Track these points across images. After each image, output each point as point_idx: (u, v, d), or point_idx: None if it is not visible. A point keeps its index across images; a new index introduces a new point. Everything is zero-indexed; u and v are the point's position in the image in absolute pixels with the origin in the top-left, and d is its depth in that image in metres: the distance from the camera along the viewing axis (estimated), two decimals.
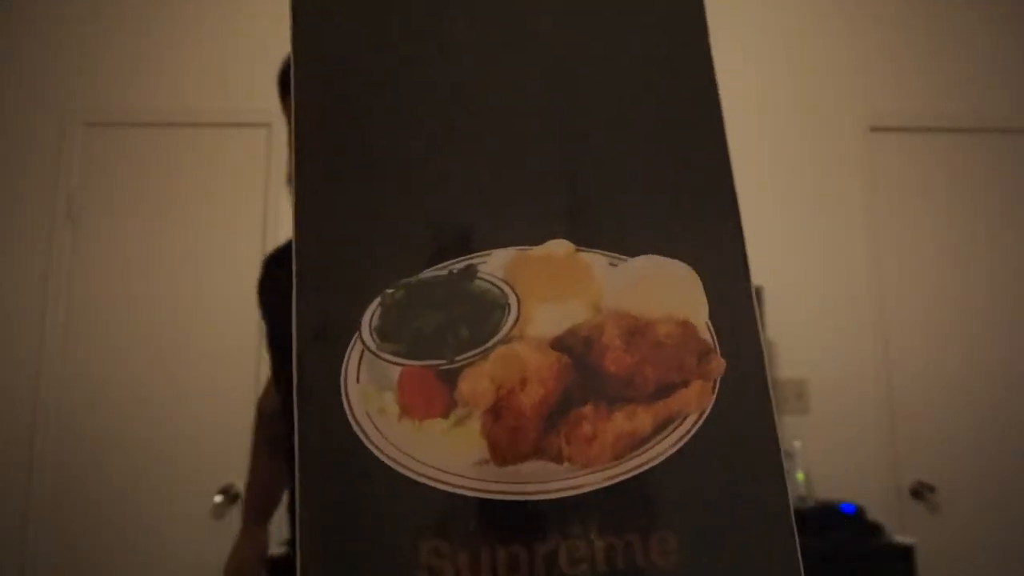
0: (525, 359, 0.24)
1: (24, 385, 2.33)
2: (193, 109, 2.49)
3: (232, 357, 2.33)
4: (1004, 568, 2.31)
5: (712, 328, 0.24)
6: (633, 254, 0.25)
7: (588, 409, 0.23)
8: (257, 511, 1.34)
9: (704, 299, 0.25)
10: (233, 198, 2.44)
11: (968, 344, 2.45)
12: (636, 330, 0.24)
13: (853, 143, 2.55)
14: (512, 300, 0.24)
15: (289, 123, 1.13)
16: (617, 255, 0.25)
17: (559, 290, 0.25)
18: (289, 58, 0.86)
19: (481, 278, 0.24)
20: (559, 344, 0.24)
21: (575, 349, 0.24)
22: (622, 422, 0.23)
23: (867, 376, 2.42)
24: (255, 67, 2.52)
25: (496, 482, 0.22)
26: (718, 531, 0.23)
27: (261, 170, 2.45)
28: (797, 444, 2.27)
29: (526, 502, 0.22)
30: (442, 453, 0.22)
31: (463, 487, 0.22)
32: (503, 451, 0.23)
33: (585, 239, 0.25)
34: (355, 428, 0.23)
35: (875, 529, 2.05)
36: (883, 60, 2.61)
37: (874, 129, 2.56)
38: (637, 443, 0.23)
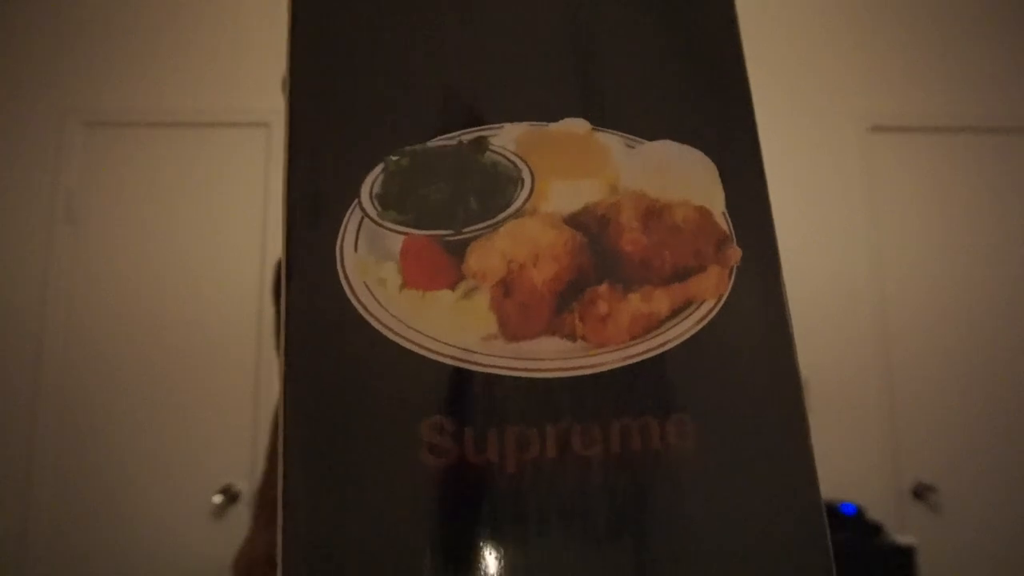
0: (538, 234, 0.23)
1: (24, 385, 2.33)
2: (193, 109, 2.49)
3: (232, 357, 2.33)
4: (1005, 568, 2.31)
5: (728, 217, 0.24)
6: (650, 138, 0.24)
7: (603, 288, 0.22)
8: (269, 510, 1.34)
9: (721, 188, 0.24)
10: (233, 198, 2.44)
11: (969, 344, 2.45)
12: (654, 212, 0.24)
13: (853, 143, 2.55)
14: (526, 174, 0.23)
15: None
16: (634, 137, 0.24)
17: (575, 167, 0.24)
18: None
19: (493, 150, 0.23)
20: (574, 221, 0.23)
21: (590, 227, 0.23)
22: (638, 303, 0.22)
23: (867, 376, 2.42)
24: (255, 67, 2.52)
25: (505, 358, 0.21)
26: (734, 416, 0.22)
27: (261, 170, 2.45)
28: None
29: (537, 379, 0.21)
30: (447, 326, 0.21)
31: (470, 362, 0.21)
32: (513, 327, 0.21)
33: (601, 120, 0.24)
34: (352, 299, 0.21)
35: (875, 529, 2.05)
36: (883, 60, 2.61)
37: (874, 129, 2.56)
38: (654, 324, 0.22)
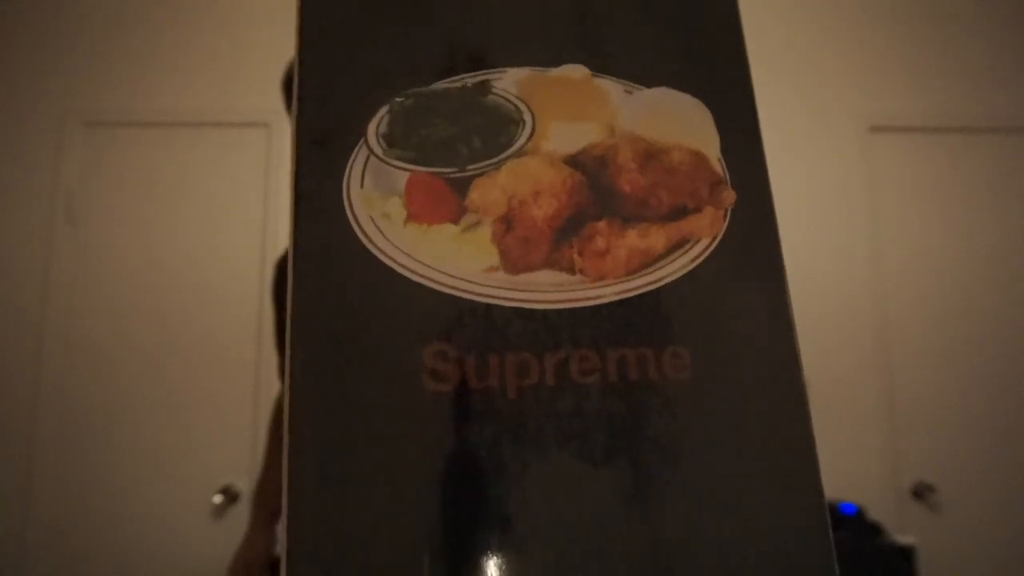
0: (538, 173, 0.23)
1: (24, 385, 2.33)
2: (193, 109, 2.49)
3: (232, 357, 2.33)
4: (1005, 568, 2.31)
5: (724, 162, 0.25)
6: (648, 85, 0.25)
7: (602, 224, 0.23)
8: (267, 511, 1.33)
9: (716, 134, 0.25)
10: (233, 198, 2.44)
11: (969, 344, 2.45)
12: (651, 154, 0.25)
13: (853, 143, 2.55)
14: (527, 116, 0.24)
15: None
16: (632, 84, 0.25)
17: (575, 111, 0.25)
18: (293, 65, 0.86)
19: (495, 93, 0.24)
20: (573, 161, 0.24)
21: (589, 167, 0.24)
22: (636, 239, 0.23)
23: (867, 376, 2.41)
24: (255, 67, 2.52)
25: (506, 289, 0.22)
26: (730, 351, 0.23)
27: (261, 170, 2.45)
28: None
29: (535, 310, 0.22)
30: (450, 258, 0.22)
31: (471, 292, 0.22)
32: (514, 260, 0.22)
33: (600, 67, 0.25)
34: (357, 231, 0.22)
35: (875, 529, 2.04)
36: (883, 60, 2.61)
37: (874, 129, 2.56)
38: (651, 260, 0.23)
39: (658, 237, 0.24)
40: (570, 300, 0.22)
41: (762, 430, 0.22)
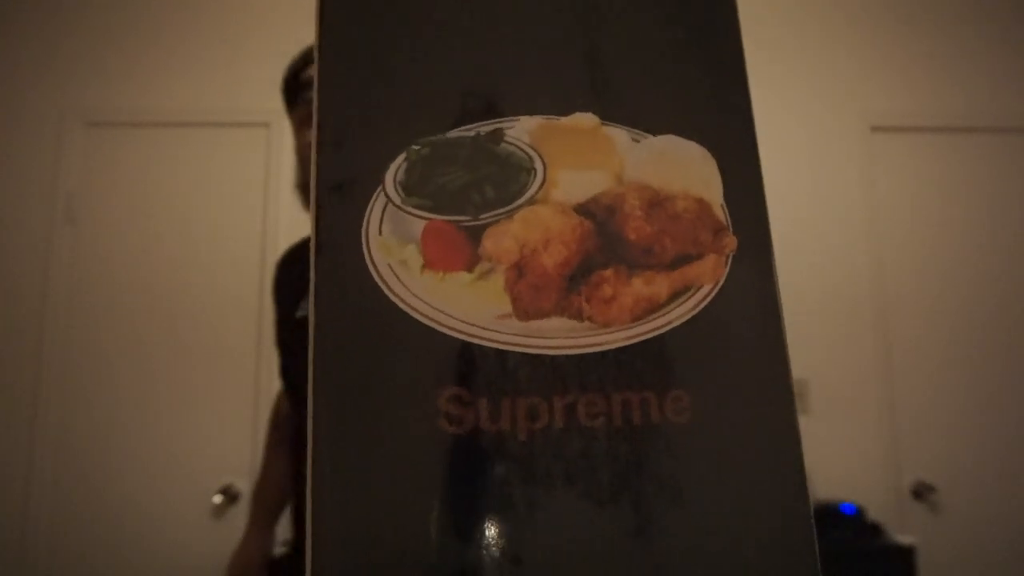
0: (549, 221, 0.24)
1: (24, 385, 2.33)
2: (193, 109, 2.49)
3: (232, 357, 2.33)
4: (1005, 568, 2.31)
5: (726, 208, 0.26)
6: (654, 132, 0.26)
7: (609, 272, 0.24)
8: (266, 511, 1.31)
9: (719, 180, 0.26)
10: (233, 198, 2.44)
11: (969, 344, 2.45)
12: (656, 202, 0.25)
13: (853, 143, 2.55)
14: (538, 164, 0.25)
15: (295, 130, 1.12)
16: (639, 132, 0.26)
17: (584, 159, 0.25)
18: (292, 66, 0.84)
19: (508, 141, 0.25)
20: (582, 209, 0.25)
21: (598, 215, 0.25)
22: (641, 286, 0.24)
23: (867, 376, 2.41)
24: (255, 67, 2.51)
25: (518, 335, 0.23)
26: (728, 394, 0.24)
27: (261, 170, 2.45)
28: None
29: (545, 356, 0.23)
30: (464, 305, 0.23)
31: (485, 338, 0.23)
32: (525, 306, 0.23)
33: (608, 114, 0.26)
34: (376, 278, 0.23)
35: (875, 529, 2.05)
36: (883, 60, 2.61)
37: (874, 129, 2.56)
38: (655, 307, 0.24)
39: (662, 284, 0.24)
40: (578, 346, 0.23)
41: (756, 469, 0.23)
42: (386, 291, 0.23)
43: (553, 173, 0.25)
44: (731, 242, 0.25)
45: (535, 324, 0.23)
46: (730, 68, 0.29)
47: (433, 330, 0.23)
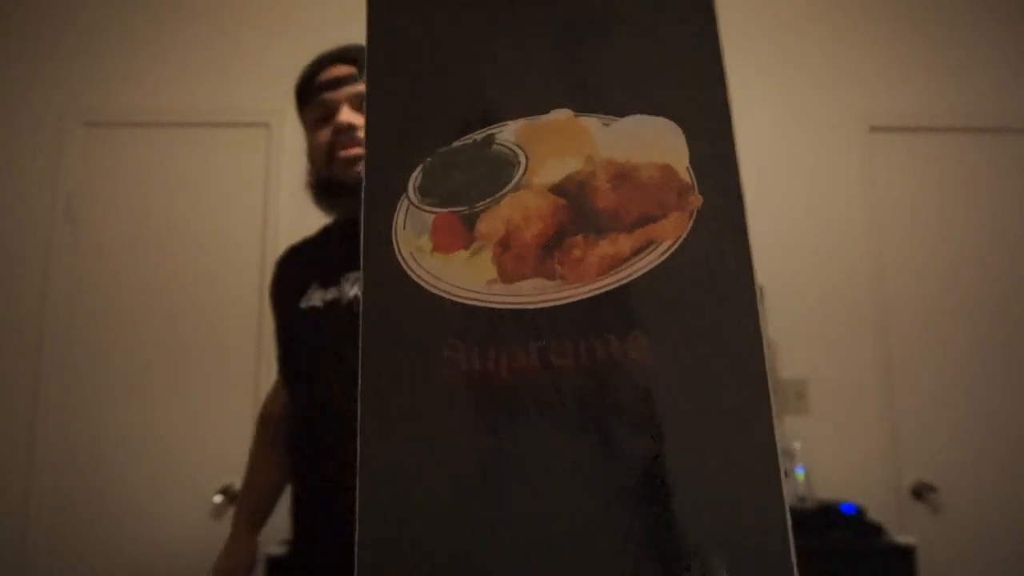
0: (528, 202, 0.30)
1: (24, 385, 2.33)
2: (193, 109, 2.49)
3: (232, 357, 2.33)
4: (1005, 568, 2.31)
5: (692, 171, 0.30)
6: (624, 115, 0.31)
7: (579, 238, 0.29)
8: (252, 516, 1.27)
9: (685, 146, 0.30)
10: (233, 198, 2.44)
11: (969, 343, 2.45)
12: (623, 174, 0.30)
13: (853, 143, 2.55)
14: (522, 158, 0.31)
15: (308, 130, 1.15)
16: (610, 117, 0.31)
17: (560, 148, 0.31)
18: (307, 70, 0.91)
19: (498, 144, 0.31)
20: (557, 189, 0.30)
21: (570, 192, 0.30)
22: (606, 247, 0.29)
23: (867, 376, 2.41)
24: (255, 67, 2.52)
25: (502, 296, 0.29)
26: (690, 338, 0.28)
27: (261, 170, 2.45)
28: (797, 444, 2.26)
29: (524, 310, 0.29)
30: (462, 276, 0.30)
31: (477, 300, 0.29)
32: (509, 272, 0.29)
33: (583, 107, 0.32)
34: (400, 262, 0.30)
35: (875, 529, 2.05)
36: (883, 60, 2.61)
37: (874, 129, 2.56)
38: (618, 263, 0.29)
39: (625, 244, 0.29)
40: (550, 300, 0.29)
41: (720, 407, 0.27)
42: (408, 271, 0.30)
43: (534, 164, 0.31)
44: (695, 200, 0.29)
45: (517, 286, 0.29)
46: (702, 44, 0.32)
47: (440, 297, 0.29)
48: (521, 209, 0.30)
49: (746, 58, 2.56)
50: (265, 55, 2.53)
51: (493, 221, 0.30)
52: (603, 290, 0.28)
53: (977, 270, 2.48)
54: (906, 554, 1.93)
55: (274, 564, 1.89)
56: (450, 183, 0.31)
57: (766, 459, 0.26)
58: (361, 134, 1.10)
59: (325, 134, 1.12)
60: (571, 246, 0.29)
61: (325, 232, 1.24)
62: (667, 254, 0.28)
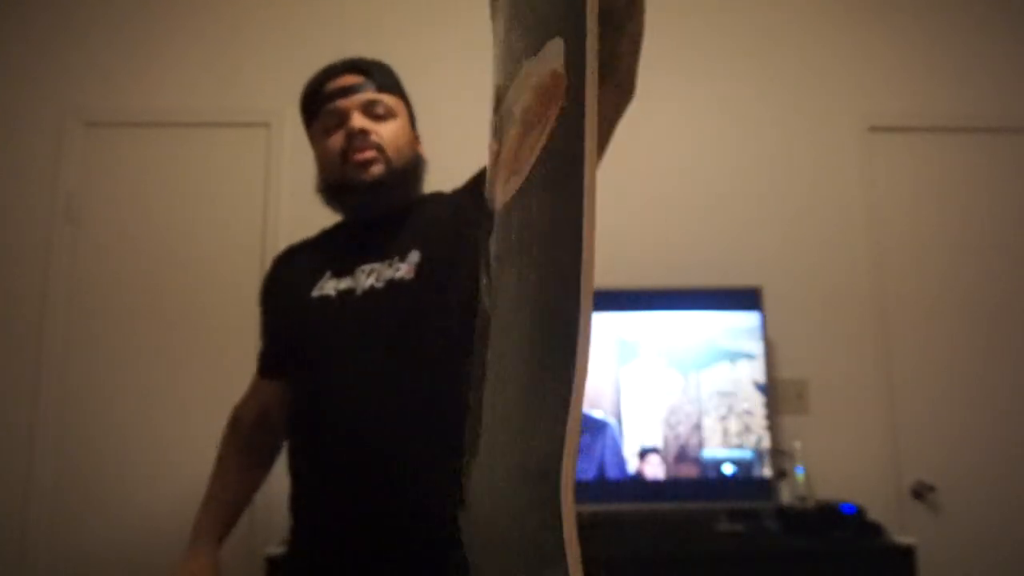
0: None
1: (24, 385, 2.33)
2: (193, 109, 2.49)
3: (231, 356, 2.32)
4: (1004, 568, 2.31)
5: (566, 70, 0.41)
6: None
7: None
8: (216, 525, 1.21)
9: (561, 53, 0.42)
10: (233, 198, 2.44)
11: (968, 344, 2.45)
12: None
13: (853, 143, 2.55)
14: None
15: (318, 139, 1.17)
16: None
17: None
18: (313, 81, 1.11)
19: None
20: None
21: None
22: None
23: (867, 376, 2.41)
24: (255, 67, 2.52)
25: None
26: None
27: (261, 170, 2.45)
28: (797, 444, 2.26)
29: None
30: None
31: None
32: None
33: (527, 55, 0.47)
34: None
35: (875, 529, 2.05)
36: (882, 60, 2.61)
37: (874, 129, 2.56)
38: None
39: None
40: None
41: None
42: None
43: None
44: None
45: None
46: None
47: None
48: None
49: (746, 58, 2.56)
50: (265, 55, 2.53)
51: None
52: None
53: (977, 270, 2.48)
54: (906, 554, 1.93)
55: (274, 564, 1.89)
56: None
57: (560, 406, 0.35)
58: (373, 138, 1.13)
59: (337, 140, 1.15)
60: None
61: (327, 234, 1.26)
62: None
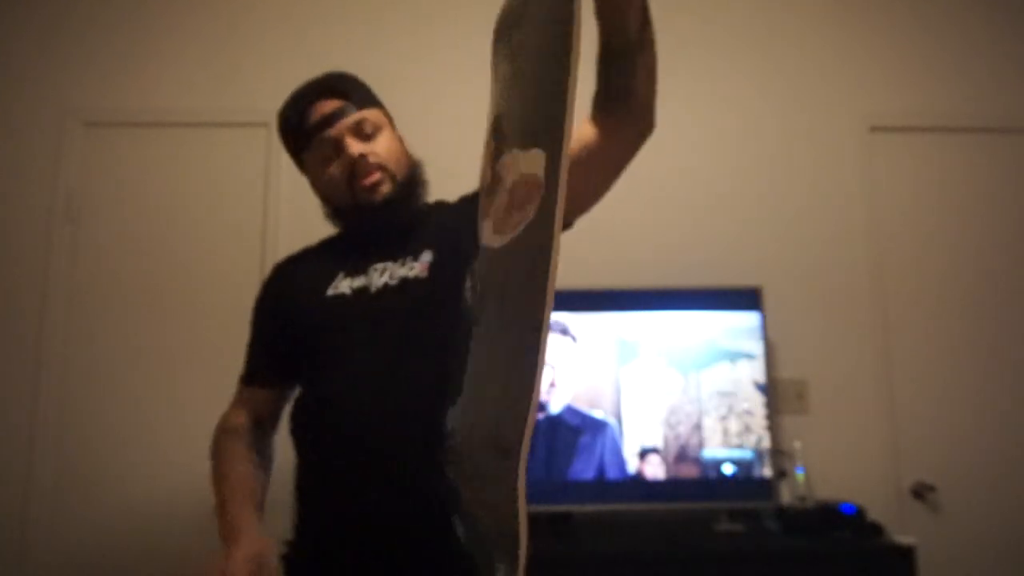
0: None
1: (24, 385, 2.33)
2: (193, 109, 2.49)
3: (231, 357, 2.31)
4: (1004, 568, 2.31)
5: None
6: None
7: None
8: (252, 514, 1.14)
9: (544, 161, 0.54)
10: (233, 198, 2.44)
11: (968, 344, 2.45)
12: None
13: (853, 143, 2.55)
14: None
15: (315, 169, 1.16)
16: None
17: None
18: (293, 111, 1.15)
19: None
20: None
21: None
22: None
23: (867, 376, 2.41)
24: (255, 67, 2.52)
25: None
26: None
27: (260, 169, 2.45)
28: (797, 444, 2.26)
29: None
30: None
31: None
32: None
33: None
34: None
35: (875, 529, 2.05)
36: (883, 60, 2.61)
37: (874, 129, 2.56)
38: None
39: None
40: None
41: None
42: None
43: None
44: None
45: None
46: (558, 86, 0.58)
47: None
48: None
49: (746, 58, 2.56)
50: (265, 55, 2.53)
51: None
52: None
53: (977, 270, 2.48)
54: (906, 554, 1.93)
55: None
56: None
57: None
58: (373, 160, 1.13)
59: (336, 168, 1.14)
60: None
61: (330, 241, 1.27)
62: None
